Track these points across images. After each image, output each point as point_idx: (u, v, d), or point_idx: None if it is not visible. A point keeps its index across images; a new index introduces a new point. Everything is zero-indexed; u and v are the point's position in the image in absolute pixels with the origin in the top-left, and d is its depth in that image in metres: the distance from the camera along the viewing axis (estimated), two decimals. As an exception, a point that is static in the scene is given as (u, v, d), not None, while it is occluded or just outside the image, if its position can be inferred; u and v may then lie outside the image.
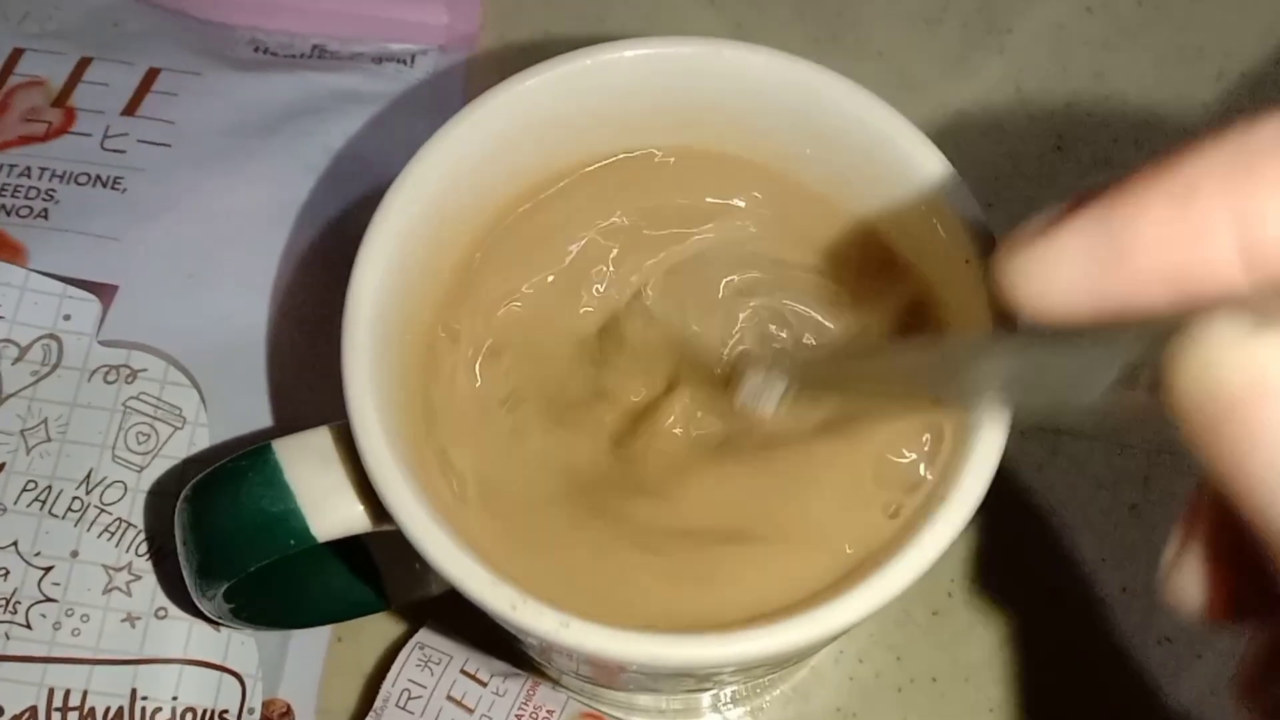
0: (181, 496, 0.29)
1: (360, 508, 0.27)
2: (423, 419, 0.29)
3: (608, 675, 0.31)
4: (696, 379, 0.30)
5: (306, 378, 0.38)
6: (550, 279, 0.30)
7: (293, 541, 0.28)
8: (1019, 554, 0.40)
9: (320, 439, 0.28)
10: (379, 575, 0.36)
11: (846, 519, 0.28)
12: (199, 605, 0.30)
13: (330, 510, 0.28)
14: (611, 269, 0.30)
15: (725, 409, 0.29)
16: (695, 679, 0.29)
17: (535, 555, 0.28)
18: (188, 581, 0.30)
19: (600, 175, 0.31)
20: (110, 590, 0.34)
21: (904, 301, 0.30)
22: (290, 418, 0.37)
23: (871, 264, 0.30)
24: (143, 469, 0.35)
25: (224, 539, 0.28)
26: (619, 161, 0.31)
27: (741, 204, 0.31)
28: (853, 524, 0.28)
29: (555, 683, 0.36)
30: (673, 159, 0.31)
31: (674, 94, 0.30)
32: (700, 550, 0.28)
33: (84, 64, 0.41)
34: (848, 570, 0.27)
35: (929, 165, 0.28)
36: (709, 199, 0.31)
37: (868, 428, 0.29)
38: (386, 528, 0.28)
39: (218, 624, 0.35)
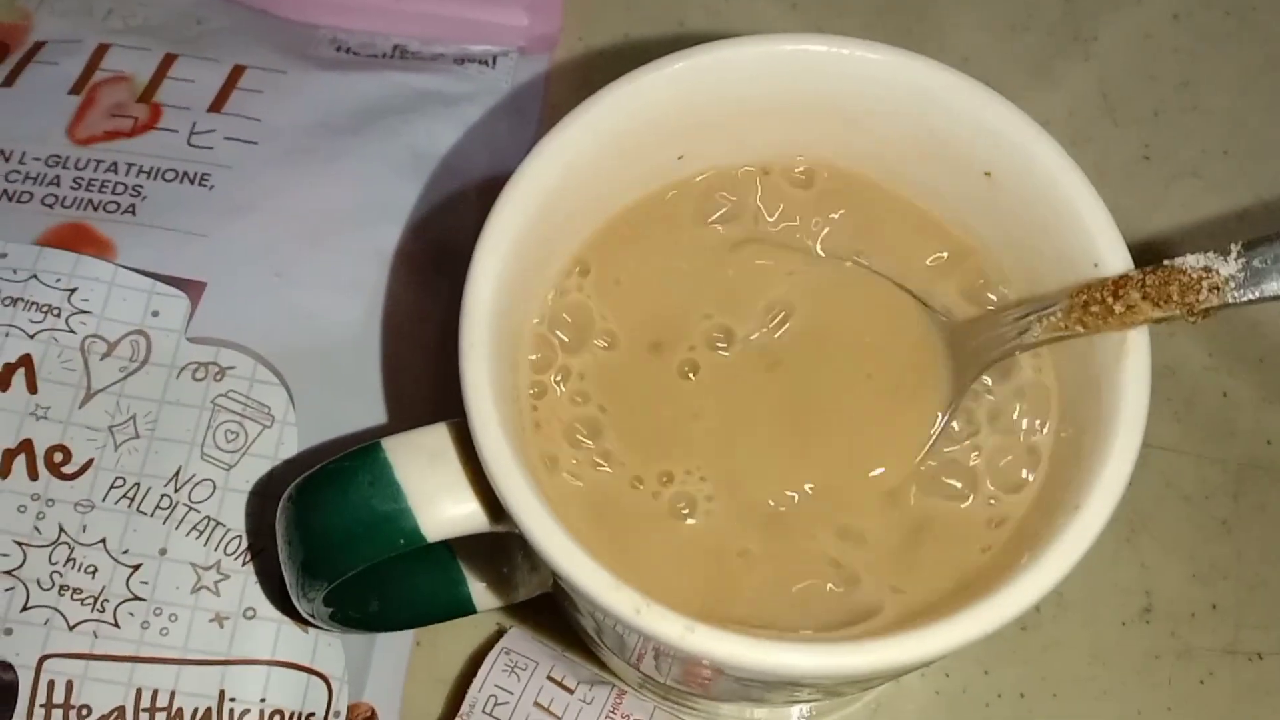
0: (285, 496, 0.29)
1: (473, 507, 0.27)
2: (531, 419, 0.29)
3: (701, 682, 0.31)
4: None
5: (395, 378, 0.37)
6: (665, 280, 0.30)
7: (402, 541, 0.27)
8: (1108, 569, 0.39)
9: (432, 437, 0.27)
10: (465, 580, 0.36)
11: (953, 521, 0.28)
12: (298, 606, 0.30)
13: (442, 509, 0.27)
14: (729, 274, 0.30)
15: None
16: (803, 689, 0.28)
17: (638, 558, 0.28)
18: (289, 581, 0.29)
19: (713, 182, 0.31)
20: (199, 589, 0.34)
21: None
22: (380, 417, 0.37)
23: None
24: (231, 467, 0.35)
25: (330, 538, 0.28)
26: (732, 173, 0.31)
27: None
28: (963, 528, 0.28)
29: (638, 691, 0.36)
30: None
31: (789, 94, 0.29)
32: (804, 553, 0.28)
33: (169, 60, 0.41)
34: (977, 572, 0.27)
35: (1062, 171, 0.27)
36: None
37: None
38: (500, 528, 0.27)
39: (306, 625, 0.34)
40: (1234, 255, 0.25)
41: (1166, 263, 0.26)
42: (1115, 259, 0.27)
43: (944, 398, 0.29)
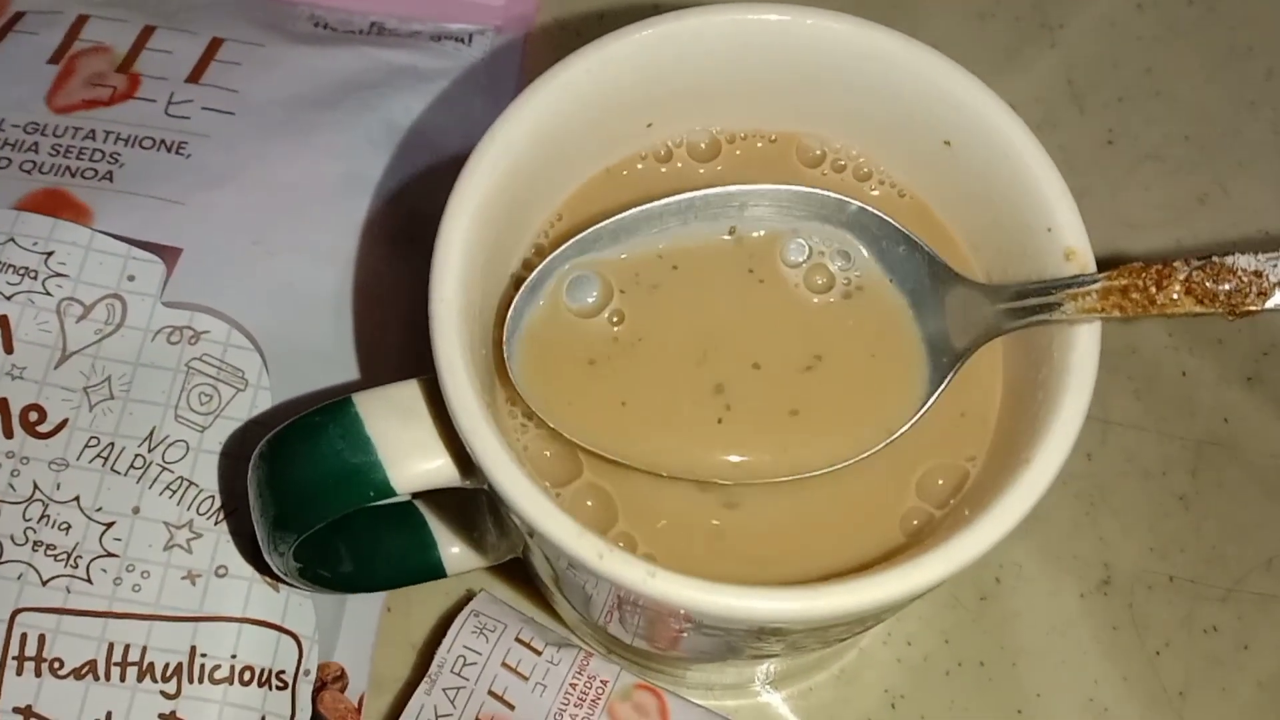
0: (257, 450, 0.29)
1: (443, 460, 0.28)
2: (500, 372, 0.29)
3: (668, 637, 0.31)
4: None
5: (368, 347, 0.38)
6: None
7: (372, 493, 0.28)
8: (1068, 541, 0.40)
9: (403, 392, 0.28)
10: (435, 545, 0.36)
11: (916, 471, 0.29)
12: (268, 560, 0.30)
13: (412, 462, 0.28)
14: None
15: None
16: (766, 639, 0.29)
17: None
18: (260, 534, 0.30)
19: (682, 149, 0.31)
20: (171, 547, 0.34)
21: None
22: (351, 383, 0.37)
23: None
24: (205, 429, 0.35)
25: (302, 490, 0.28)
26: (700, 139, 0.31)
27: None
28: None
29: (605, 654, 0.36)
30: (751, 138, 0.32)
31: (754, 64, 0.30)
32: (780, 504, 0.29)
33: (148, 32, 0.41)
34: (921, 526, 0.27)
35: (1018, 138, 0.28)
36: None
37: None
38: (469, 482, 0.28)
39: (277, 584, 0.35)
40: None
41: (1215, 259, 0.25)
42: (1069, 223, 0.28)
43: (935, 361, 0.29)
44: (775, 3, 0.30)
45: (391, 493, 0.28)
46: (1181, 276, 0.25)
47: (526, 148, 0.28)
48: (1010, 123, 0.28)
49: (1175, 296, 0.25)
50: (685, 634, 0.29)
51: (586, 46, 0.29)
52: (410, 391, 0.28)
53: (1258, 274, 0.25)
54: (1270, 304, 0.24)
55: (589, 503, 0.29)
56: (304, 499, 0.28)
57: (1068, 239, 0.27)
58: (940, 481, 0.28)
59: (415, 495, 0.34)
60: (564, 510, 0.25)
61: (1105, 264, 0.27)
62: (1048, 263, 0.28)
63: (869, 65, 0.29)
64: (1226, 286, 0.25)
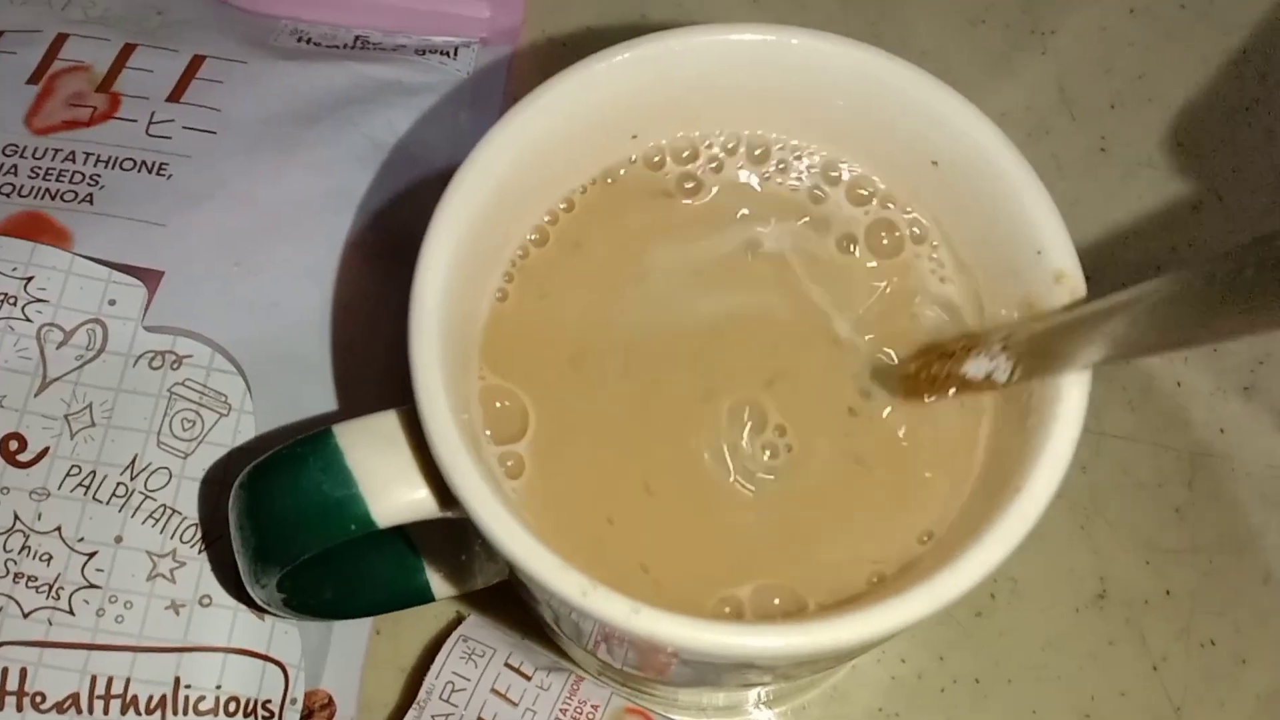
0: (237, 482, 0.29)
1: (423, 493, 0.27)
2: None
3: (657, 667, 0.31)
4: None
5: (353, 366, 0.37)
6: (619, 260, 0.30)
7: (353, 526, 0.27)
8: (1063, 555, 0.40)
9: (383, 423, 0.28)
10: (422, 568, 0.36)
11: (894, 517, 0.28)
12: (251, 593, 0.30)
13: (393, 495, 0.27)
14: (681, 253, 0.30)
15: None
16: (755, 671, 0.29)
17: (589, 538, 0.28)
18: (241, 568, 0.29)
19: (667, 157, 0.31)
20: (154, 577, 0.34)
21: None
22: (337, 407, 0.37)
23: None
24: (188, 455, 0.35)
25: (282, 524, 0.28)
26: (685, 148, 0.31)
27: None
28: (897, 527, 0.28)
29: (596, 678, 0.36)
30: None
31: (740, 84, 0.30)
32: (762, 537, 0.28)
33: (128, 50, 0.41)
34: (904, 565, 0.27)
35: (1005, 158, 0.27)
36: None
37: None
38: (450, 514, 0.27)
39: (262, 612, 0.34)
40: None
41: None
42: (1058, 245, 0.27)
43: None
44: (761, 22, 0.29)
45: (373, 526, 0.27)
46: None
47: (508, 173, 0.28)
48: (997, 143, 0.28)
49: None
50: (673, 665, 0.29)
51: (570, 67, 0.29)
52: (390, 422, 0.28)
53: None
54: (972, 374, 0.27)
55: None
56: (285, 533, 0.28)
57: (1057, 262, 0.27)
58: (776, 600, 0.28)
59: (399, 525, 0.33)
60: (547, 545, 0.25)
61: (1098, 277, 0.27)
62: (1038, 285, 0.27)
63: (855, 85, 0.29)
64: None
